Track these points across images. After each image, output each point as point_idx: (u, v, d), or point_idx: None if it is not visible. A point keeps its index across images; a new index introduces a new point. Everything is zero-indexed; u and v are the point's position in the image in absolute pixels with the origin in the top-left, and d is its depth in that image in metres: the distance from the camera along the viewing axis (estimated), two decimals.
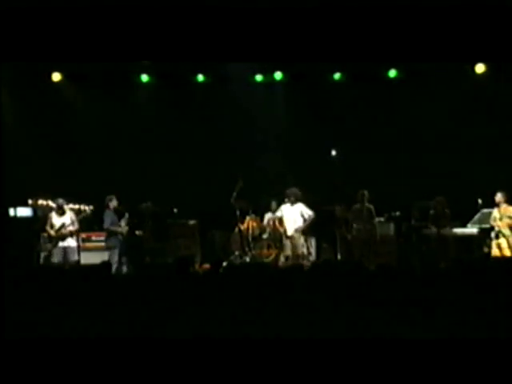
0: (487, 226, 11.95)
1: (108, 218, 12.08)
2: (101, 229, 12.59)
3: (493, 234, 11.62)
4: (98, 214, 12.51)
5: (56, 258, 11.55)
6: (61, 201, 11.87)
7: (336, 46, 11.62)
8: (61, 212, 11.77)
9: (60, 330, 4.91)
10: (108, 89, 14.20)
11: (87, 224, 12.57)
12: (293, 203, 12.10)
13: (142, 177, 13.83)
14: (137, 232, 12.65)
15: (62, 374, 4.55)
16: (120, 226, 11.92)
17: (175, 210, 12.98)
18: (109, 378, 4.55)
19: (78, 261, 11.77)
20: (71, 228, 11.69)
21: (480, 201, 12.21)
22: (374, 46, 11.52)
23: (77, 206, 13.59)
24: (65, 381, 4.54)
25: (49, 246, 12.04)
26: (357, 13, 10.77)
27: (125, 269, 11.54)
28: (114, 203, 12.10)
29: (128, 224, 12.06)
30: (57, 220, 11.75)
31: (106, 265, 7.05)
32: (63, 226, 11.66)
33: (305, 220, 12.09)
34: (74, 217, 11.85)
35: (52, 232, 11.67)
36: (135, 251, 12.34)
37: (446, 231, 12.21)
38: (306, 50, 11.73)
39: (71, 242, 11.71)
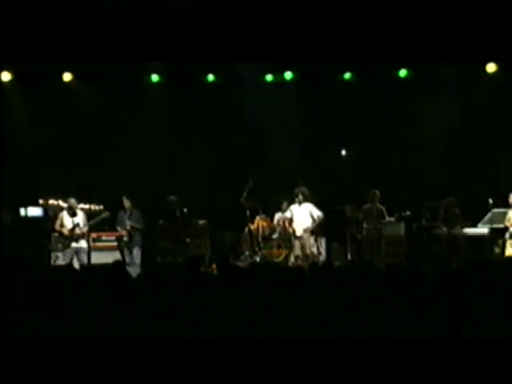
0: (498, 225, 11.94)
1: (117, 218, 12.24)
2: (111, 229, 12.72)
3: (507, 235, 11.62)
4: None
5: (67, 258, 11.58)
6: (72, 201, 11.91)
7: (346, 46, 11.62)
8: (72, 212, 11.81)
9: (70, 330, 4.91)
10: (118, 89, 14.20)
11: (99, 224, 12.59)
12: (301, 203, 12.15)
13: (152, 177, 13.84)
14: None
15: (71, 374, 4.56)
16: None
17: (185, 210, 12.97)
18: (115, 378, 4.56)
19: (88, 262, 11.79)
20: (83, 229, 11.74)
21: (491, 200, 12.17)
22: (385, 46, 11.50)
23: (87, 206, 13.62)
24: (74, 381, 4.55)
25: (60, 245, 12.08)
26: (367, 13, 10.76)
27: (131, 269, 11.50)
28: (126, 203, 12.20)
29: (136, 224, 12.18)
30: (68, 220, 11.77)
31: (119, 264, 7.02)
32: (77, 225, 11.69)
33: (314, 220, 12.12)
34: (85, 218, 11.89)
35: (65, 231, 11.70)
36: (147, 251, 12.43)
37: (456, 231, 12.18)
38: (315, 49, 11.72)
39: (83, 243, 11.75)
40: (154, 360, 4.63)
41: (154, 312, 5.18)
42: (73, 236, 11.65)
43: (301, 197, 12.16)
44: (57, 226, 11.84)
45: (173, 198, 12.60)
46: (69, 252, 11.66)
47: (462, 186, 13.07)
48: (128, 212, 12.27)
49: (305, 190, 12.22)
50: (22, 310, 5.24)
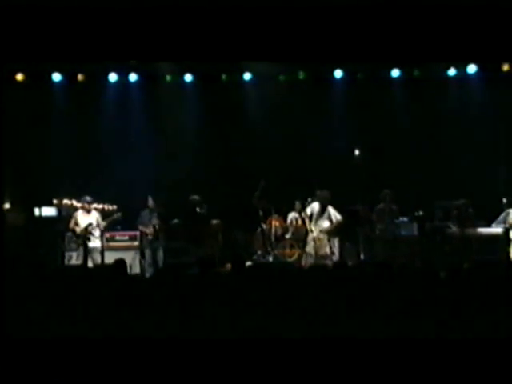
0: None
1: (140, 217, 12.27)
2: (124, 228, 12.75)
3: None
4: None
5: (80, 258, 11.62)
6: (88, 198, 11.95)
7: (359, 47, 11.58)
8: (86, 211, 11.86)
9: (78, 329, 4.92)
10: (132, 88, 14.24)
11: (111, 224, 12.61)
12: (324, 205, 12.26)
13: (164, 177, 13.88)
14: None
15: (72, 374, 4.57)
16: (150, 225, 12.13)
17: (198, 210, 12.99)
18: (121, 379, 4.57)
19: (102, 261, 11.81)
20: (96, 229, 11.77)
21: (505, 200, 12.13)
22: (395, 47, 11.46)
23: (101, 206, 13.66)
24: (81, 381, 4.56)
25: (73, 245, 12.13)
26: (379, 14, 10.72)
27: (150, 269, 11.62)
28: (149, 202, 12.25)
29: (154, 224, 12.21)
30: (82, 219, 11.81)
31: (121, 264, 6.92)
32: (90, 225, 11.73)
33: (331, 223, 12.21)
34: (99, 217, 11.92)
35: (78, 229, 11.73)
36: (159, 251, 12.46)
37: (469, 231, 12.14)
38: (328, 50, 11.69)
39: (96, 243, 11.78)
40: (159, 360, 4.63)
41: (165, 312, 5.19)
42: (85, 235, 11.68)
43: (325, 202, 12.28)
44: (71, 225, 11.87)
45: (196, 197, 12.64)
46: (82, 251, 11.69)
47: (476, 185, 13.02)
48: (153, 211, 12.31)
49: (327, 194, 12.34)
50: (29, 310, 5.26)
